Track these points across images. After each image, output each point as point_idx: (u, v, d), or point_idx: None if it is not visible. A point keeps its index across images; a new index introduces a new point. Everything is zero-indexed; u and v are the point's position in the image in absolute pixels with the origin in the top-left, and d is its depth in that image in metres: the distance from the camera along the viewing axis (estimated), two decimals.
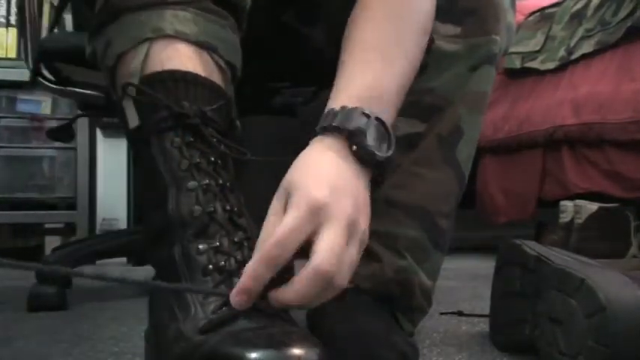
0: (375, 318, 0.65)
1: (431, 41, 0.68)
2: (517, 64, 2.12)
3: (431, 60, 0.69)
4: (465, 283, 1.49)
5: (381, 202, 0.68)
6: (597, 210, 1.67)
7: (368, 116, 0.55)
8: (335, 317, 0.64)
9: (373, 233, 0.68)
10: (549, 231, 1.77)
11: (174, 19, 0.58)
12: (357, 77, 0.59)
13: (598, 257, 0.89)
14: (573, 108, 1.80)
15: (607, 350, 0.59)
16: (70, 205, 2.12)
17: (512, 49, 1.99)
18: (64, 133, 1.29)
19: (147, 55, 0.57)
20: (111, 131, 2.29)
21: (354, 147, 0.55)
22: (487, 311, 0.85)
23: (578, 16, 1.93)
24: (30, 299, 1.12)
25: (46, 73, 1.18)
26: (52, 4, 1.43)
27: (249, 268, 0.49)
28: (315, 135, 0.57)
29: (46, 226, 2.22)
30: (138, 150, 0.59)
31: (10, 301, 1.20)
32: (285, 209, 0.51)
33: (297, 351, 0.46)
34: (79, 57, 1.11)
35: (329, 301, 0.67)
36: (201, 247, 0.53)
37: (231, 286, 0.51)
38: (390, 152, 0.56)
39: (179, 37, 0.58)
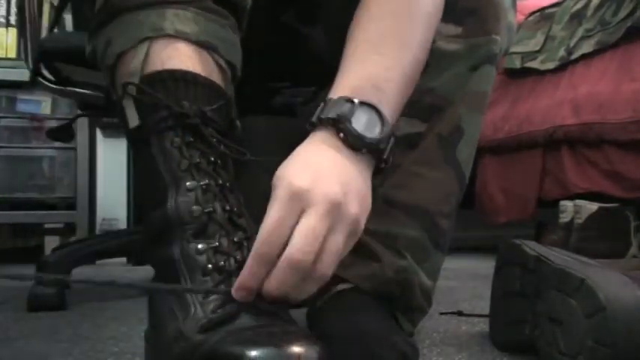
0: (375, 318, 0.65)
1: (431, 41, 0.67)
2: (517, 64, 2.12)
3: (431, 60, 0.69)
4: (464, 283, 1.49)
5: (381, 202, 0.68)
6: (597, 210, 1.67)
7: (352, 102, 0.55)
8: (335, 317, 0.64)
9: (373, 233, 0.68)
10: (549, 231, 1.77)
11: (175, 18, 0.58)
12: (352, 70, 0.59)
13: (598, 257, 0.89)
14: (573, 108, 1.80)
15: (607, 350, 0.59)
16: (70, 205, 2.12)
17: (512, 49, 1.99)
18: (63, 133, 1.29)
19: (147, 55, 0.57)
20: (111, 131, 2.29)
21: (341, 134, 0.54)
22: (487, 311, 0.85)
23: (578, 16, 1.93)
24: (30, 299, 1.12)
25: (46, 73, 1.18)
26: (52, 4, 1.43)
27: (245, 266, 0.50)
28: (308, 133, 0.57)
29: (46, 226, 2.21)
30: (138, 150, 0.59)
31: (10, 301, 1.20)
32: None
33: (297, 349, 0.46)
34: (78, 57, 1.11)
35: (329, 301, 0.67)
36: (200, 246, 0.53)
37: (230, 286, 0.51)
38: (382, 134, 0.55)
39: (179, 36, 0.58)
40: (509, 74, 2.16)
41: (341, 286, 0.68)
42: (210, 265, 0.52)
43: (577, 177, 1.80)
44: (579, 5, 1.95)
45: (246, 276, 0.50)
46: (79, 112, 1.45)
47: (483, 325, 0.91)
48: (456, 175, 0.73)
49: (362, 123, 0.54)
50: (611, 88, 1.70)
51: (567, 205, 1.71)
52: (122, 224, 2.33)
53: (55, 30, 1.25)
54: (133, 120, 0.58)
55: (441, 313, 1.02)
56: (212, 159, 0.57)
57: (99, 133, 2.28)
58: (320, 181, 0.50)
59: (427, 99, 0.71)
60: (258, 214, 0.53)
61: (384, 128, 0.55)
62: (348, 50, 0.60)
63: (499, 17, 0.73)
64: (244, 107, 0.66)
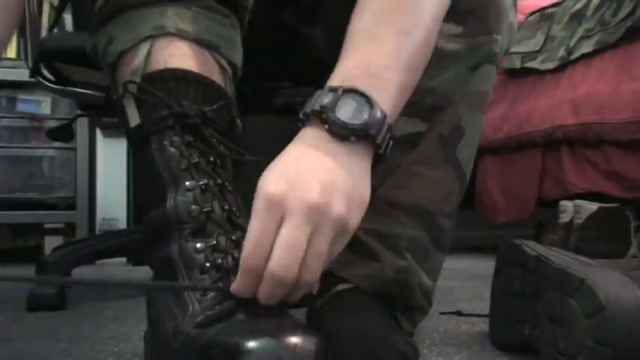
0: (375, 318, 0.65)
1: None
2: (517, 63, 2.12)
3: (432, 59, 0.69)
4: (464, 283, 1.49)
5: (381, 202, 0.68)
6: (597, 210, 1.67)
7: (335, 90, 0.53)
8: (335, 317, 0.64)
9: (373, 233, 0.68)
10: (549, 231, 1.77)
11: (176, 16, 0.58)
12: (348, 59, 0.57)
13: (598, 257, 0.89)
14: (573, 108, 1.80)
15: (607, 350, 0.59)
16: (70, 205, 2.12)
17: (512, 49, 1.99)
18: (63, 133, 1.29)
19: (149, 53, 0.57)
20: (111, 131, 2.29)
21: (326, 125, 0.52)
22: (487, 311, 0.85)
23: (577, 16, 1.93)
24: (29, 299, 1.12)
25: (45, 72, 1.18)
26: (52, 4, 1.43)
27: (237, 279, 0.50)
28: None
29: (46, 226, 2.22)
30: (137, 149, 0.59)
31: (10, 301, 1.20)
32: None
33: (294, 339, 0.46)
34: (78, 57, 1.11)
35: (329, 301, 0.67)
36: (198, 245, 0.53)
37: (228, 284, 0.51)
38: (369, 119, 0.52)
39: (181, 35, 0.58)
40: (509, 74, 2.16)
41: (341, 286, 0.68)
42: (208, 264, 0.53)
43: (576, 177, 1.80)
44: (579, 5, 1.95)
45: (238, 288, 0.50)
46: (78, 112, 1.45)
47: (483, 325, 0.91)
48: (457, 174, 0.73)
49: (348, 111, 0.52)
50: (610, 88, 1.70)
51: (567, 205, 1.71)
52: (122, 224, 2.33)
53: (55, 30, 1.25)
54: (134, 119, 0.58)
55: (441, 313, 1.02)
56: (211, 159, 0.57)
57: (99, 133, 2.28)
58: (296, 185, 0.49)
59: (428, 98, 0.71)
60: None
61: (373, 112, 0.53)
62: (346, 41, 0.59)
63: (500, 17, 0.72)
64: (244, 107, 0.66)
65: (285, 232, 0.48)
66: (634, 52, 1.68)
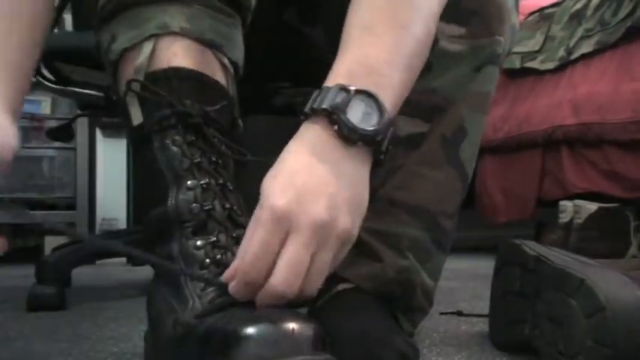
0: (375, 318, 0.65)
1: (435, 41, 0.67)
2: (517, 64, 2.12)
3: (434, 60, 0.69)
4: (464, 283, 1.50)
5: (383, 202, 0.68)
6: (597, 210, 1.67)
7: (347, 90, 0.52)
8: (335, 317, 0.64)
9: (375, 233, 0.68)
10: (549, 231, 1.77)
11: (180, 15, 0.58)
12: (347, 54, 0.56)
13: (598, 257, 0.89)
14: (573, 108, 1.80)
15: (607, 350, 0.59)
16: (70, 205, 2.12)
17: None
18: (63, 133, 1.29)
19: (153, 52, 0.57)
20: (110, 131, 2.30)
21: (335, 126, 0.51)
22: (487, 311, 0.85)
23: (577, 16, 1.94)
24: (29, 299, 1.12)
25: (45, 72, 1.18)
26: None
27: (234, 286, 0.50)
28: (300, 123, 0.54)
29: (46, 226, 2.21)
30: (139, 147, 0.60)
31: (10, 301, 1.20)
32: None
33: (292, 325, 0.46)
34: (78, 57, 1.11)
35: (329, 301, 0.67)
36: (199, 242, 0.53)
37: None
38: (379, 125, 0.52)
39: (184, 34, 0.58)
40: (508, 74, 2.16)
41: (342, 286, 0.68)
42: (207, 259, 0.53)
43: (576, 177, 1.80)
44: (579, 5, 1.95)
45: (234, 293, 0.50)
46: (78, 112, 1.45)
47: (483, 325, 0.91)
48: (459, 175, 0.73)
49: (358, 114, 0.52)
50: (610, 88, 1.70)
51: (567, 205, 1.71)
52: (122, 224, 2.33)
53: (55, 30, 1.25)
54: (137, 117, 0.58)
55: (441, 313, 1.02)
56: (213, 159, 0.57)
57: (99, 133, 2.28)
58: (304, 199, 0.48)
59: (430, 99, 0.71)
60: None
61: (382, 118, 0.52)
62: (344, 35, 0.58)
63: (503, 18, 0.72)
64: (245, 107, 0.66)
65: (290, 249, 0.48)
66: (634, 52, 1.68)
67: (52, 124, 1.95)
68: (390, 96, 0.54)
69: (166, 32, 0.57)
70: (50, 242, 2.16)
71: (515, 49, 2.10)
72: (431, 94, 0.70)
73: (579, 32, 1.89)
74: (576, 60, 1.89)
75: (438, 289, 0.73)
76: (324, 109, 0.52)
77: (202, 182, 0.55)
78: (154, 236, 0.57)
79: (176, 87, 0.57)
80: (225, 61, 0.61)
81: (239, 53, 0.63)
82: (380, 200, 0.68)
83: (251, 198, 0.60)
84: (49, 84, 1.18)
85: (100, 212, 2.30)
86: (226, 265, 0.52)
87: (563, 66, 1.94)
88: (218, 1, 0.61)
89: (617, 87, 1.68)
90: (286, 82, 1.09)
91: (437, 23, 0.62)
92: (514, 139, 2.04)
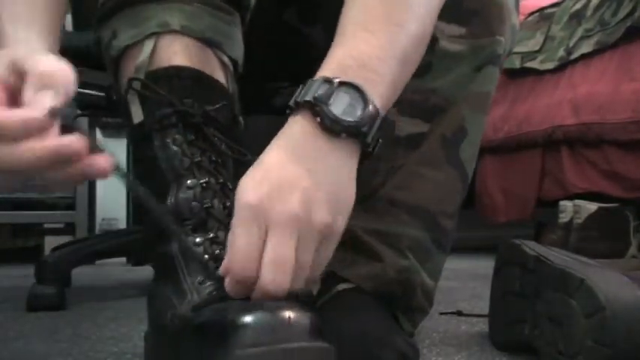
0: (375, 318, 0.65)
1: (435, 41, 0.67)
2: (516, 64, 2.12)
3: (435, 60, 0.69)
4: (464, 283, 1.50)
5: (383, 202, 0.68)
6: (597, 210, 1.67)
7: (331, 82, 0.50)
8: (335, 317, 0.64)
9: (375, 233, 0.68)
10: (549, 231, 1.77)
11: (181, 13, 0.58)
12: (338, 49, 0.55)
13: (597, 257, 0.89)
14: (572, 108, 1.80)
15: (606, 350, 0.59)
16: (70, 205, 2.12)
17: None
18: (64, 133, 1.28)
19: (154, 50, 0.57)
20: (111, 131, 2.29)
21: (318, 118, 0.50)
22: (486, 311, 0.85)
23: (577, 16, 1.94)
24: (29, 299, 1.12)
25: None
26: None
27: (227, 285, 0.49)
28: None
29: (46, 226, 2.21)
30: (139, 146, 0.60)
31: (10, 301, 1.20)
32: None
33: (289, 313, 0.45)
34: (78, 57, 1.11)
35: (329, 301, 0.67)
36: (198, 240, 0.54)
37: None
38: (363, 116, 0.50)
39: (185, 32, 0.58)
40: (508, 74, 2.16)
41: (342, 286, 0.68)
42: (206, 255, 0.53)
43: (576, 177, 1.80)
44: (579, 5, 1.95)
45: (229, 291, 0.49)
46: (78, 112, 1.45)
47: (483, 325, 0.91)
48: (459, 175, 0.73)
49: (342, 105, 0.50)
50: (610, 88, 1.70)
51: (567, 205, 1.71)
52: (122, 224, 2.33)
53: None
54: (137, 115, 0.58)
55: (441, 313, 1.02)
56: (213, 158, 0.57)
57: (99, 133, 2.28)
58: (276, 194, 0.47)
59: (430, 99, 0.71)
60: None
61: (367, 109, 0.50)
62: (338, 31, 0.57)
63: (503, 18, 0.72)
64: (245, 107, 0.66)
65: (270, 248, 0.47)
66: (634, 52, 1.68)
67: None
68: (379, 91, 0.53)
69: (167, 30, 0.57)
70: (50, 242, 2.16)
71: (516, 49, 2.10)
72: (431, 94, 0.70)
73: (579, 32, 1.89)
74: (576, 60, 1.89)
75: (438, 289, 0.73)
76: (307, 102, 0.50)
77: (202, 181, 0.55)
78: (154, 236, 0.57)
79: (177, 86, 0.57)
80: (225, 59, 0.61)
81: (238, 51, 0.63)
82: (380, 200, 0.68)
83: None
84: None
85: (100, 212, 2.30)
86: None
87: (563, 66, 1.94)
88: (218, 0, 0.61)
89: (617, 87, 1.68)
90: (286, 82, 1.09)
91: (434, 21, 0.61)
92: (514, 139, 2.04)
